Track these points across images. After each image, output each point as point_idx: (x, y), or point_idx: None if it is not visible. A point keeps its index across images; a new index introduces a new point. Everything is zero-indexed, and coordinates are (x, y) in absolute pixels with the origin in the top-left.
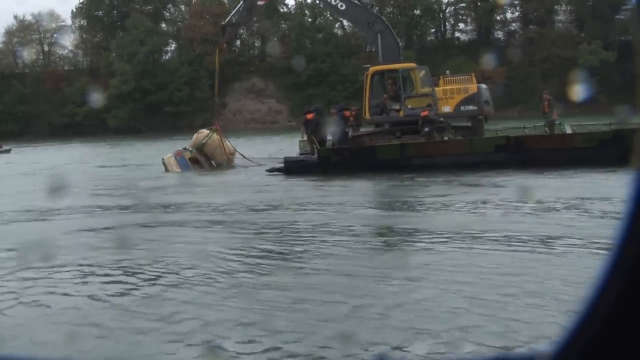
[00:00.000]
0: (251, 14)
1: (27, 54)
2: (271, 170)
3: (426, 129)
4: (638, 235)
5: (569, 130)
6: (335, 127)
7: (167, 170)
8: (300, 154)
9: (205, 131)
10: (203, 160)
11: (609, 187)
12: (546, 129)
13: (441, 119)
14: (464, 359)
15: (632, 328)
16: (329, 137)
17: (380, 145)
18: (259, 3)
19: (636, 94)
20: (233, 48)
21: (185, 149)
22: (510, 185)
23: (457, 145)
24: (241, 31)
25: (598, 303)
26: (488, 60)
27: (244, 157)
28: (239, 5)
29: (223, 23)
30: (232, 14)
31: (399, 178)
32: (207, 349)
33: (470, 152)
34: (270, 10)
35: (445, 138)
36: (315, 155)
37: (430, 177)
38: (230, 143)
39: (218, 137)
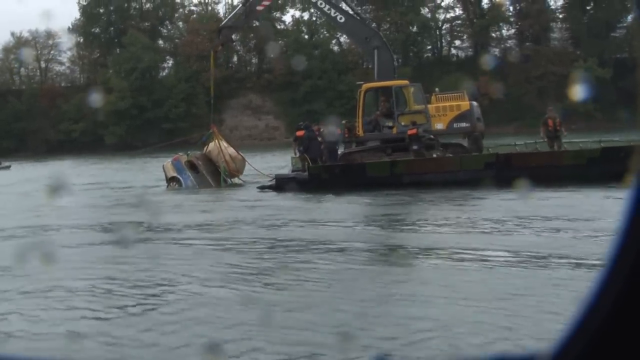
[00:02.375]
0: (249, 19)
1: (25, 57)
2: (262, 188)
3: (414, 147)
4: (636, 237)
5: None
6: (326, 144)
7: (166, 176)
8: (292, 171)
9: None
10: (202, 166)
11: (598, 204)
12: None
13: (431, 136)
14: (464, 359)
15: (631, 328)
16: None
17: (370, 162)
18: (258, 8)
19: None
20: (230, 65)
21: (187, 153)
22: (498, 202)
23: (447, 163)
24: (238, 48)
25: (597, 304)
26: (485, 77)
27: (257, 170)
28: (237, 8)
29: (220, 25)
30: (229, 17)
31: (388, 195)
32: (207, 349)
33: (460, 170)
34: (267, 16)
35: (434, 155)
36: (306, 173)
37: (420, 194)
38: (237, 151)
39: (217, 140)
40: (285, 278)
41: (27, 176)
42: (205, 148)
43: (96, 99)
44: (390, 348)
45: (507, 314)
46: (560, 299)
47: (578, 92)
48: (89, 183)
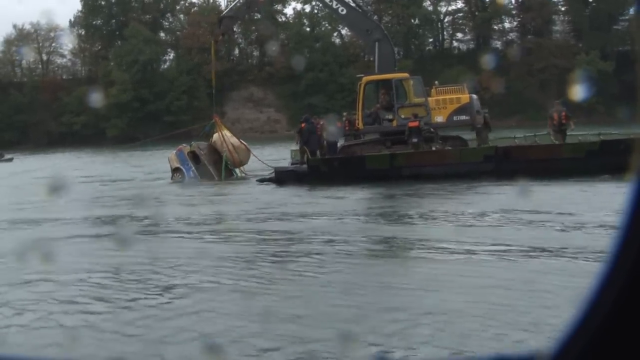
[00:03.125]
0: (250, 9)
1: (26, 55)
2: (261, 180)
3: (414, 140)
4: (637, 236)
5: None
6: (328, 137)
7: (170, 167)
8: (292, 163)
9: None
10: (204, 157)
11: (595, 197)
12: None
13: (431, 129)
14: (465, 358)
15: (631, 328)
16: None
17: (370, 155)
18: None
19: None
20: (231, 57)
21: (190, 144)
22: (496, 195)
23: (446, 155)
24: (240, 41)
25: (597, 304)
26: (486, 70)
27: (263, 162)
28: None
29: (220, 15)
30: (230, 7)
31: (388, 188)
32: (207, 349)
33: (460, 162)
34: (268, 10)
35: (433, 148)
36: (306, 165)
37: (419, 186)
38: (240, 140)
39: (219, 130)
40: (285, 276)
41: (27, 168)
42: (211, 139)
43: (98, 97)
44: (390, 347)
45: (506, 312)
46: (559, 295)
47: (578, 91)
48: (85, 176)
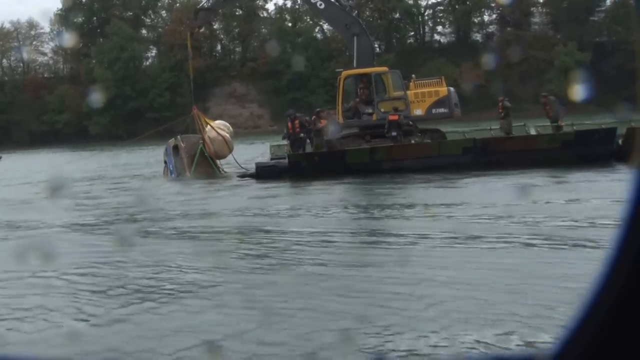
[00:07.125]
0: (227, 2)
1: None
2: (242, 176)
3: (393, 133)
4: (637, 236)
5: (533, 132)
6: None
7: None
8: (271, 158)
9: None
10: (183, 149)
11: (578, 188)
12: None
13: (410, 122)
14: (464, 358)
15: (632, 328)
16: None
17: (350, 149)
18: None
19: (637, 91)
20: (214, 53)
21: (175, 138)
22: (476, 187)
23: (425, 148)
24: (222, 37)
25: (598, 303)
26: (466, 63)
27: (239, 164)
28: None
29: (197, 7)
30: None
31: (368, 181)
32: (207, 349)
33: (439, 155)
34: (249, 5)
35: (413, 141)
36: (286, 160)
37: (400, 180)
38: (221, 133)
39: (198, 122)
40: (279, 274)
41: (19, 167)
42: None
43: (97, 97)
44: (390, 348)
45: (502, 311)
46: (553, 289)
47: (579, 92)
48: (78, 175)
